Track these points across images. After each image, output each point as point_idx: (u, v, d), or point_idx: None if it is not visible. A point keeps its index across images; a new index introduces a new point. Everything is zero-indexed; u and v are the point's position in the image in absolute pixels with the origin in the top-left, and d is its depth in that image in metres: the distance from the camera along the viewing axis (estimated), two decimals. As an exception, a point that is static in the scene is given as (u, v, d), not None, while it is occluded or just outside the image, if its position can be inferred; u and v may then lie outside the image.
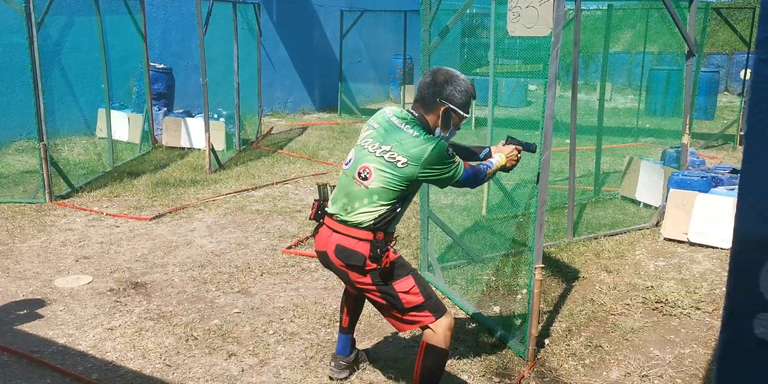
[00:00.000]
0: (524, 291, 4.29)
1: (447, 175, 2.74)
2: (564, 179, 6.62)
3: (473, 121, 11.02)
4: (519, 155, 3.22)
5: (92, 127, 9.09)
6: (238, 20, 8.89)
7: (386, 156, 2.69)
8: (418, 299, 2.73)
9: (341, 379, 3.25)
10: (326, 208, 2.87)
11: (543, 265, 3.39)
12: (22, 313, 3.94)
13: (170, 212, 6.02)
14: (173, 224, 5.71)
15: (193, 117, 8.95)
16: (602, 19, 10.38)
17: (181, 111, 9.34)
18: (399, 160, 2.67)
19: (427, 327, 2.77)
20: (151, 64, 8.91)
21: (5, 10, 7.27)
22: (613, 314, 4.01)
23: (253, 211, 6.15)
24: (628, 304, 4.14)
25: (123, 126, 8.72)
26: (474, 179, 2.87)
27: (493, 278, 4.54)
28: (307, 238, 5.39)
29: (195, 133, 8.72)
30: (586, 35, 13.86)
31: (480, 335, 3.72)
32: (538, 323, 3.47)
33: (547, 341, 3.65)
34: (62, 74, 8.74)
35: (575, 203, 5.68)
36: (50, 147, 6.26)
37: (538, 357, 3.48)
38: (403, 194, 2.74)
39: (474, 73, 9.19)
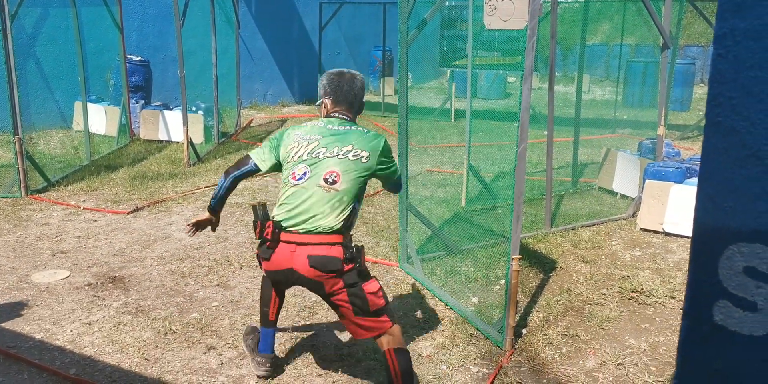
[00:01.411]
0: (502, 282, 4.34)
1: (393, 168, 2.99)
2: (542, 171, 6.68)
3: (453, 113, 11.06)
4: None
5: (68, 120, 8.98)
6: (216, 12, 8.82)
7: (350, 155, 2.83)
8: (382, 302, 2.82)
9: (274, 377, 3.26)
10: (282, 225, 2.82)
11: (520, 256, 3.43)
12: (-2, 308, 3.90)
13: (148, 206, 5.99)
14: (151, 218, 5.68)
15: (170, 110, 8.88)
16: (580, 11, 10.45)
17: (158, 104, 9.26)
18: (362, 156, 2.84)
19: (383, 335, 2.85)
20: (128, 56, 8.81)
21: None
22: (590, 304, 4.07)
23: (232, 205, 6.13)
24: (605, 294, 4.20)
25: (100, 119, 8.62)
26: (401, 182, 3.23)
27: (472, 269, 4.58)
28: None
29: (173, 125, 8.65)
30: (564, 28, 13.94)
31: (458, 326, 3.76)
32: (516, 313, 3.52)
33: (524, 331, 3.70)
34: (37, 67, 8.61)
35: (553, 194, 5.73)
36: (25, 141, 6.18)
37: (516, 346, 3.52)
38: (363, 190, 2.89)
39: (453, 65, 9.21)
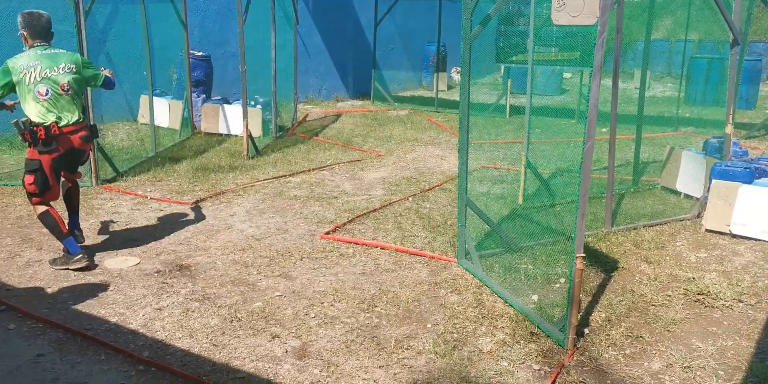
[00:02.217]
0: (562, 280, 4.31)
1: (96, 71, 4.64)
2: (602, 169, 6.58)
3: (508, 109, 10.97)
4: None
5: (135, 113, 9.28)
6: (275, 8, 8.95)
7: (66, 69, 4.36)
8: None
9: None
10: (59, 124, 4.32)
11: (584, 255, 3.40)
12: (75, 292, 4.08)
13: (210, 197, 6.15)
14: (214, 209, 5.83)
15: (230, 104, 9.08)
16: (642, 5, 10.20)
17: (218, 98, 9.47)
18: (72, 68, 4.40)
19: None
20: (191, 51, 9.04)
21: (53, 0, 7.43)
22: (654, 305, 4.01)
23: (290, 197, 6.24)
24: (669, 296, 4.13)
25: (164, 112, 8.88)
26: (113, 82, 4.76)
27: (531, 267, 4.56)
28: (345, 224, 5.46)
29: (233, 119, 8.85)
30: (624, 22, 13.63)
31: (519, 323, 3.75)
32: (578, 312, 3.50)
33: (586, 331, 3.68)
34: (108, 61, 8.90)
35: (614, 193, 5.65)
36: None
37: (578, 346, 3.50)
38: (83, 88, 4.58)
39: (510, 61, 9.13)
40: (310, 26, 12.53)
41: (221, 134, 8.91)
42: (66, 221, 4.73)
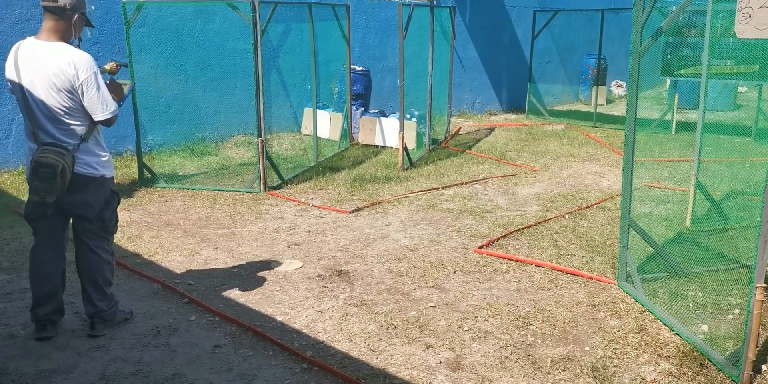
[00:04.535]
0: (737, 311, 4.00)
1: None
2: (783, 192, 6.02)
3: (674, 125, 10.36)
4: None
5: (299, 124, 9.87)
6: (433, 23, 9.14)
7: None
8: None
9: None
10: None
11: (765, 285, 3.15)
12: (245, 290, 4.42)
13: (367, 206, 6.38)
14: (370, 218, 6.05)
15: (387, 116, 9.37)
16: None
17: (376, 111, 9.81)
18: None
19: None
20: (352, 66, 9.45)
21: (233, 19, 8.13)
22: None
23: (443, 210, 6.32)
24: None
25: (325, 124, 9.36)
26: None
27: (700, 295, 4.28)
28: (498, 239, 5.44)
29: (388, 132, 9.13)
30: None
31: (686, 354, 3.54)
32: (756, 347, 3.23)
33: (764, 367, 3.39)
34: (278, 76, 9.57)
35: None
36: (266, 142, 6.91)
37: (755, 383, 3.24)
38: None
39: (678, 74, 8.64)
40: (466, 40, 12.64)
41: (377, 146, 9.21)
42: None
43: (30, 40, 3.44)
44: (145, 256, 4.98)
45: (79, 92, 3.38)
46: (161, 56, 8.45)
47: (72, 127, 3.44)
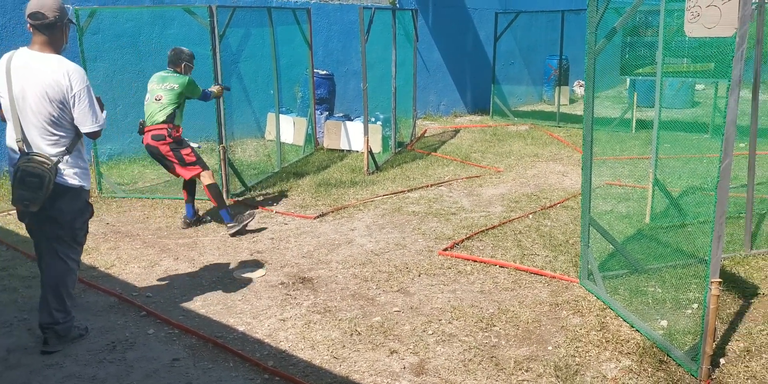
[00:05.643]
0: (695, 306, 4.05)
1: (198, 90, 5.82)
2: (740, 186, 6.14)
3: (633, 123, 10.51)
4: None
5: (262, 130, 9.77)
6: (396, 26, 9.14)
7: (167, 87, 5.61)
8: (193, 158, 5.67)
9: (183, 228, 5.82)
10: (143, 124, 5.62)
11: (720, 280, 3.19)
12: (207, 301, 4.34)
13: (332, 211, 6.34)
14: (335, 223, 6.01)
15: (351, 120, 9.34)
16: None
17: (340, 115, 9.77)
18: (174, 87, 5.62)
19: (199, 176, 5.67)
20: (315, 70, 9.40)
21: (192, 24, 8.02)
22: (800, 337, 3.67)
23: (409, 213, 6.31)
24: (818, 327, 3.77)
25: (289, 129, 9.29)
26: (207, 95, 6.00)
27: (659, 290, 4.33)
28: (463, 240, 5.44)
29: (354, 135, 9.09)
30: (766, 30, 12.66)
31: (646, 349, 3.57)
32: (713, 341, 3.27)
33: (722, 361, 3.43)
34: (239, 81, 9.46)
35: (754, 213, 5.25)
36: (227, 149, 6.82)
37: (713, 377, 3.28)
38: (178, 102, 5.63)
39: (635, 73, 8.76)
40: (430, 43, 12.67)
41: (342, 150, 9.17)
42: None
43: (23, 51, 3.51)
44: (102, 269, 4.87)
45: (71, 103, 3.44)
46: (117, 63, 8.30)
47: (58, 137, 3.48)
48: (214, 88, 6.16)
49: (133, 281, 4.65)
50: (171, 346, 3.71)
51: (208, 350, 3.67)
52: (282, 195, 6.98)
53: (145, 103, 5.69)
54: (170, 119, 5.57)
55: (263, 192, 7.05)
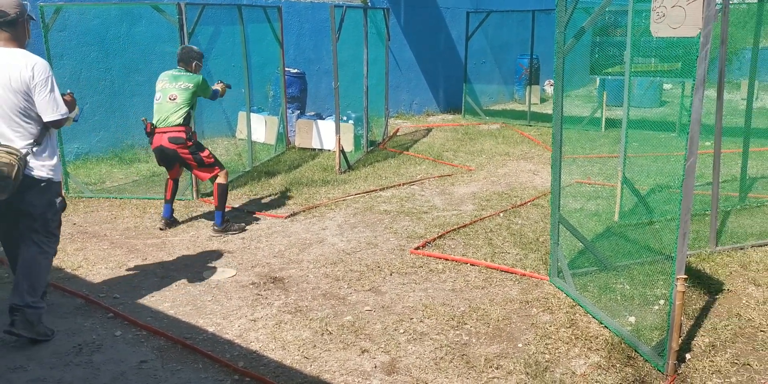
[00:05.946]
0: (662, 302, 4.12)
1: (209, 90, 5.77)
2: (704, 184, 6.26)
3: (603, 122, 10.64)
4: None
5: (233, 129, 9.68)
6: (368, 25, 9.13)
7: (181, 86, 5.49)
8: (211, 160, 5.60)
9: (162, 229, 5.71)
10: (154, 125, 5.47)
11: (686, 276, 3.24)
12: (176, 302, 4.29)
13: (303, 211, 6.31)
14: (307, 222, 5.98)
15: (323, 119, 9.30)
16: (749, 12, 9.66)
17: (312, 113, 9.73)
18: (188, 86, 5.50)
19: (216, 176, 5.62)
20: (286, 69, 9.35)
21: (160, 22, 7.90)
22: (763, 331, 3.76)
23: (381, 212, 6.31)
24: (780, 321, 3.86)
25: (260, 128, 9.22)
26: (215, 94, 5.96)
27: (627, 287, 4.38)
28: (434, 239, 5.46)
29: (326, 134, 9.06)
30: (730, 31, 12.91)
31: (614, 346, 3.61)
32: (679, 337, 3.33)
33: (688, 356, 3.49)
34: (209, 80, 9.35)
35: (719, 210, 5.35)
36: (197, 148, 6.73)
37: (679, 372, 3.33)
38: (192, 102, 5.56)
39: (605, 72, 8.87)
40: (402, 41, 12.68)
41: (314, 149, 9.14)
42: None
43: None
44: (68, 270, 4.78)
45: (34, 92, 3.52)
46: (84, 61, 8.15)
47: (25, 129, 3.54)
48: (218, 87, 6.07)
49: (101, 282, 4.58)
50: (139, 347, 3.66)
51: (177, 352, 3.62)
52: (253, 194, 6.92)
53: (156, 102, 5.51)
54: (187, 121, 5.48)
55: (234, 192, 6.98)
